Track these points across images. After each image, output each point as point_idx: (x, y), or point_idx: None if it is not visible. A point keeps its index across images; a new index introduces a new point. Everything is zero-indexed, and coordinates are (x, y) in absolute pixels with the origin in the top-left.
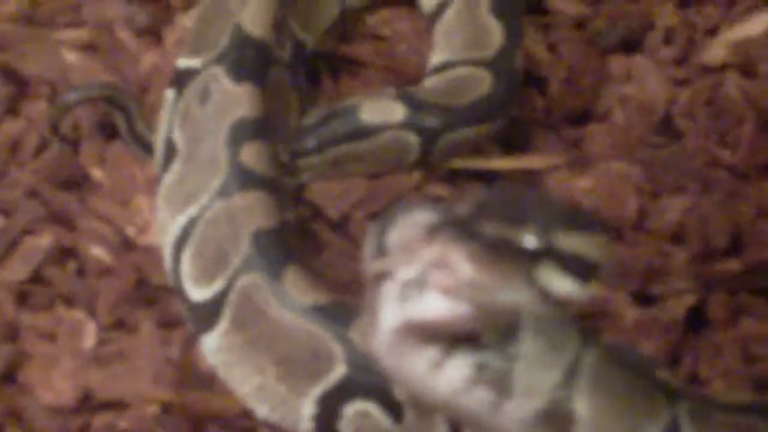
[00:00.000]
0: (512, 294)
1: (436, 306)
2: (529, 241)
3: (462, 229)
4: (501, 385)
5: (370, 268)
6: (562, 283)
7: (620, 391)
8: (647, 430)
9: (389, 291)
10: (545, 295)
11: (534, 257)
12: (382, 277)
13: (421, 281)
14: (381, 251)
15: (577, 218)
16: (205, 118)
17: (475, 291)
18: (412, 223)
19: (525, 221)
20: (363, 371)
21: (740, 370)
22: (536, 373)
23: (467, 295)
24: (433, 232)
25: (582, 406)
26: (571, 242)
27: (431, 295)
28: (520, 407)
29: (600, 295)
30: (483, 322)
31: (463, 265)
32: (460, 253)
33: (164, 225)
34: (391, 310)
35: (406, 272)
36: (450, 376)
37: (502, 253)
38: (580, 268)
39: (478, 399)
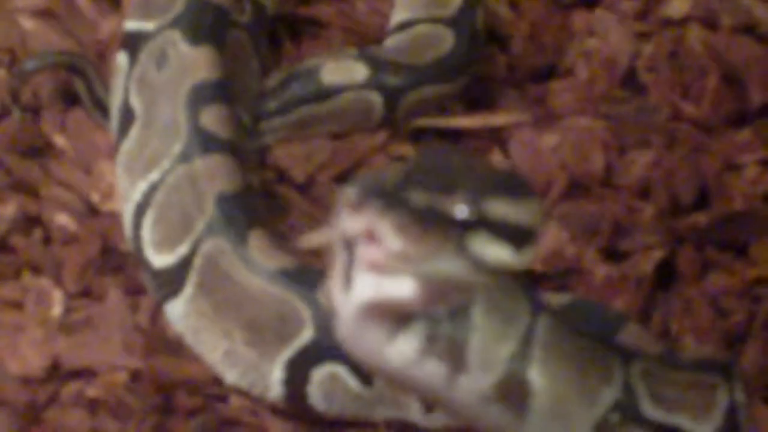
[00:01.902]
0: (445, 265)
1: (391, 286)
2: (460, 210)
3: (389, 199)
4: (455, 359)
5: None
6: (495, 252)
7: (574, 357)
8: (603, 394)
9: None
10: (479, 265)
11: (465, 226)
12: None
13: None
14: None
15: (507, 183)
16: (162, 82)
17: (405, 264)
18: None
19: (454, 189)
20: (331, 334)
21: (710, 324)
22: (491, 345)
23: (397, 268)
24: (360, 203)
25: (537, 375)
26: (502, 208)
27: (362, 271)
28: (476, 381)
29: (568, 253)
30: (432, 297)
31: (390, 237)
32: (388, 225)
33: (124, 192)
34: (362, 284)
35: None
36: (401, 348)
37: (431, 223)
38: (513, 234)
39: (432, 372)
